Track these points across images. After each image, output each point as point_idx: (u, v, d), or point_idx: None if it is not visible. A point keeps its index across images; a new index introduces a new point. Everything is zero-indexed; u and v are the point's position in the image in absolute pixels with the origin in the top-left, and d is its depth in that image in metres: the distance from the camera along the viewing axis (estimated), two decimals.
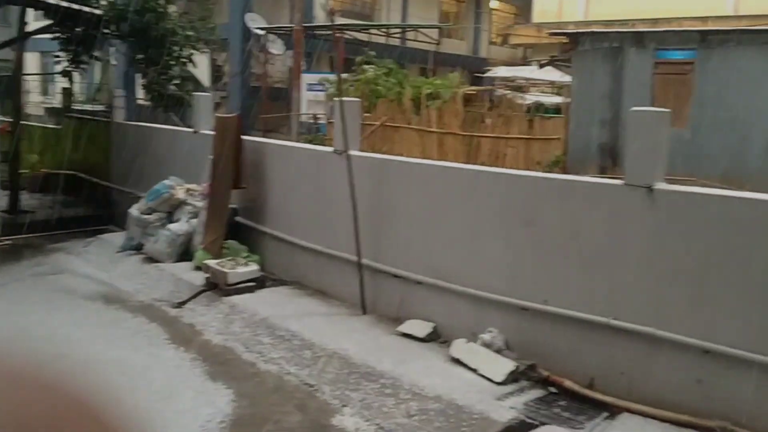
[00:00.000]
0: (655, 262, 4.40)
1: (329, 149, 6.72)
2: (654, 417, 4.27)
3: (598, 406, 4.50)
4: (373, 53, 15.39)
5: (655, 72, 13.47)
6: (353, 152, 6.27)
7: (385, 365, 5.03)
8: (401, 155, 10.78)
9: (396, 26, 23.36)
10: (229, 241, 7.53)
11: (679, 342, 4.28)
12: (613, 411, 4.42)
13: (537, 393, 4.71)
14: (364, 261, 6.17)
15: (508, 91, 17.73)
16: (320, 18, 19.65)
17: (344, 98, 6.74)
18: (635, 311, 4.48)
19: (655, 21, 16.11)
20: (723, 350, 4.11)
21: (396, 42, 23.64)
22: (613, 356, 4.60)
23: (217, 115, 8.56)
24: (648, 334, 4.40)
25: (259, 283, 6.88)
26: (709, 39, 12.79)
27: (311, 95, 17.16)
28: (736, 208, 4.14)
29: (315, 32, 18.38)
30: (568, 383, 4.70)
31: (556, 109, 15.92)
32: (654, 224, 4.40)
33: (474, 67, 24.65)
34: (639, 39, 13.53)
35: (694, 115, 13.24)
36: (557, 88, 18.03)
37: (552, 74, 17.45)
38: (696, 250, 4.23)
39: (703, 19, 16.04)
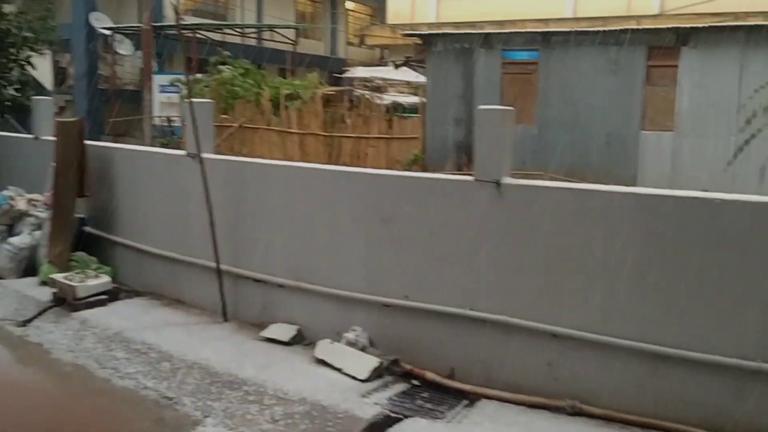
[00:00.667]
0: (505, 253, 4.60)
1: (182, 152, 6.49)
2: (510, 401, 4.47)
3: (459, 395, 4.64)
4: (228, 53, 15.07)
5: (503, 72, 14.12)
6: (207, 155, 6.09)
7: (248, 372, 4.93)
8: (262, 157, 10.62)
9: (249, 26, 23.02)
10: (78, 252, 7.09)
11: (530, 328, 4.50)
12: (473, 399, 4.58)
13: (400, 387, 4.79)
14: (224, 267, 6.01)
15: (367, 92, 17.95)
16: (171, 17, 18.98)
17: (196, 99, 6.52)
18: (490, 301, 4.66)
19: (501, 23, 16.88)
20: (569, 333, 4.36)
21: (252, 42, 23.28)
22: (471, 346, 4.77)
23: (57, 120, 8.02)
24: (502, 323, 4.59)
25: (111, 295, 6.52)
26: (550, 40, 13.57)
27: (164, 97, 16.55)
28: (576, 199, 4.41)
29: (166, 32, 17.74)
30: (429, 375, 4.81)
31: (414, 109, 16.31)
32: (503, 217, 4.60)
33: (333, 68, 24.77)
34: (487, 40, 14.12)
35: (541, 113, 14.01)
36: (414, 88, 18.49)
37: (408, 74, 17.87)
38: (542, 240, 4.46)
39: (545, 21, 16.98)
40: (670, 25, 12.92)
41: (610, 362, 4.28)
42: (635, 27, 12.90)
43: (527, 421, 4.24)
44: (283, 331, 5.59)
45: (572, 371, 4.40)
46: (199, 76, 14.49)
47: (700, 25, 12.70)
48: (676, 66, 12.70)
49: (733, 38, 12.25)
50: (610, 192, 4.30)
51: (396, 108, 16.28)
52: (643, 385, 4.21)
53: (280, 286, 5.74)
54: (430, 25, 18.03)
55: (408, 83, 18.67)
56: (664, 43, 12.72)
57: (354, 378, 4.84)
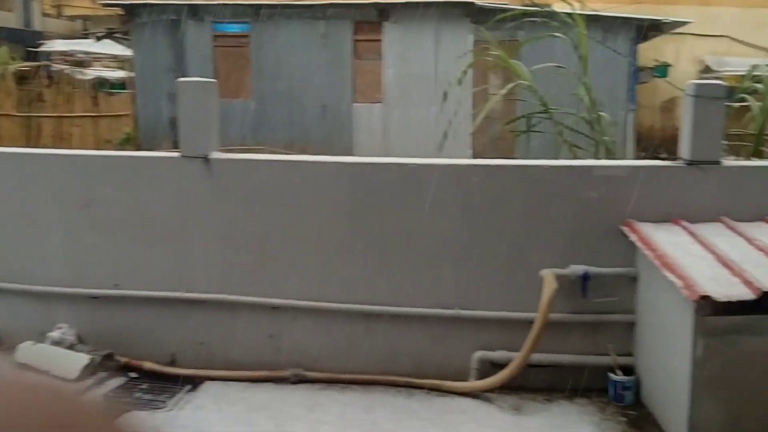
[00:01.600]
0: (219, 229, 4.49)
1: None
2: (235, 379, 4.41)
3: (182, 381, 4.46)
4: None
5: (215, 45, 13.78)
6: None
7: None
8: None
9: None
10: None
11: (250, 303, 4.46)
12: (197, 383, 4.44)
13: (117, 382, 4.47)
14: None
15: (68, 67, 16.40)
16: None
17: None
18: (207, 281, 4.53)
19: None
20: (288, 303, 4.42)
21: None
22: (191, 329, 4.61)
23: None
24: (221, 301, 4.50)
25: None
26: (260, 13, 13.50)
27: None
28: (285, 170, 4.44)
29: None
30: (148, 365, 4.56)
31: (122, 84, 15.27)
32: (214, 193, 4.47)
33: (27, 42, 22.18)
34: (196, 12, 13.64)
35: (257, 87, 13.96)
36: (121, 62, 17.29)
37: (114, 48, 16.62)
38: (255, 214, 4.43)
39: None
40: (372, 1, 13.60)
41: (329, 327, 4.43)
42: (340, 2, 13.36)
43: (250, 396, 4.22)
44: None
45: (293, 340, 4.47)
46: None
47: (399, 1, 13.54)
48: (380, 40, 13.44)
49: (428, 14, 13.27)
50: (316, 163, 4.40)
51: (102, 84, 15.10)
52: (359, 345, 4.42)
53: None
54: None
55: (115, 57, 17.39)
56: (368, 18, 13.38)
57: (64, 379, 4.41)
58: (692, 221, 4.05)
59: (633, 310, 4.19)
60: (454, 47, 13.06)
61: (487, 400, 4.17)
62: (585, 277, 4.13)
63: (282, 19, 13.53)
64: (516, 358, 4.05)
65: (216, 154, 4.48)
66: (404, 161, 4.27)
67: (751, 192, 4.13)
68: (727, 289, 3.18)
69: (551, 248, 4.21)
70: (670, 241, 3.78)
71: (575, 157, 6.52)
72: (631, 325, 4.22)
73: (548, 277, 4.06)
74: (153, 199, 4.60)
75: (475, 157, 13.32)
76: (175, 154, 4.61)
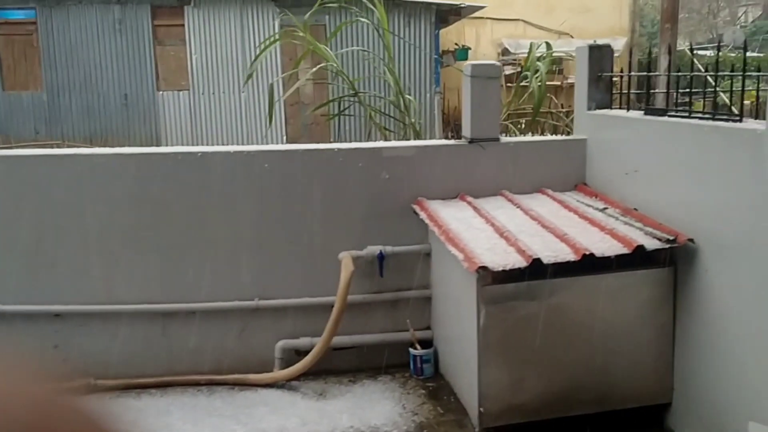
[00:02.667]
0: None
1: None
2: None
3: None
4: None
5: None
6: None
7: None
8: None
9: None
10: None
11: (27, 312, 4.07)
12: None
13: None
14: None
15: None
16: None
17: None
18: None
19: None
20: (74, 309, 4.08)
21: None
22: None
23: None
24: None
25: None
26: None
27: None
28: (60, 166, 4.08)
29: None
30: None
31: None
32: None
33: None
34: None
35: (48, 77, 12.90)
36: None
37: None
38: (27, 215, 4.03)
39: None
40: None
41: (120, 331, 4.15)
42: None
43: None
44: None
45: (81, 348, 4.14)
46: None
47: None
48: (182, 25, 12.90)
49: None
50: (94, 155, 4.10)
51: None
52: (156, 346, 4.19)
53: None
54: None
55: None
56: (167, 2, 12.77)
57: None
58: (476, 196, 4.24)
59: (429, 285, 4.33)
60: (260, 31, 12.84)
61: (292, 388, 4.12)
62: (381, 257, 4.19)
63: (72, 4, 12.56)
64: (317, 344, 4.03)
65: None
66: (191, 149, 4.08)
67: (528, 165, 4.39)
68: (503, 258, 3.35)
69: (350, 231, 4.23)
70: (455, 217, 3.93)
71: (385, 140, 6.64)
72: (427, 300, 4.36)
73: (345, 259, 4.07)
74: None
75: (289, 143, 13.23)
76: None
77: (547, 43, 7.72)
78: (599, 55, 4.35)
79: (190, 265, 4.14)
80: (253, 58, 10.36)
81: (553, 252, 3.38)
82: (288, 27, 10.16)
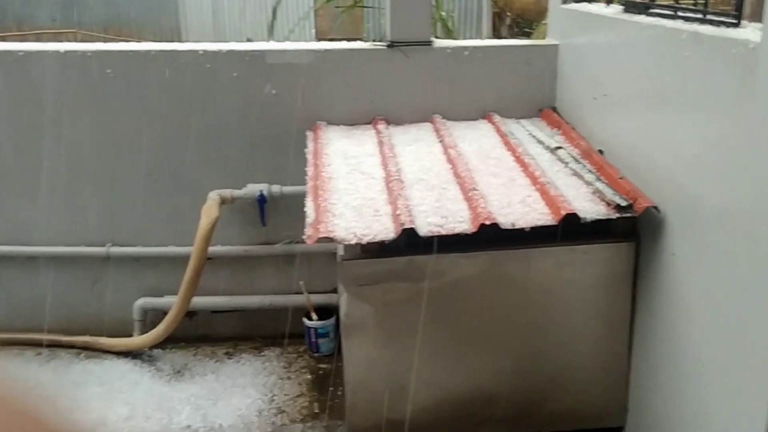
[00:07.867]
0: None
1: None
2: None
3: None
4: None
5: None
6: None
7: None
8: None
9: None
10: None
11: None
12: None
13: None
14: None
15: None
16: None
17: None
18: None
19: None
20: None
21: None
22: None
23: None
24: None
25: None
26: None
27: None
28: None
29: None
30: None
31: None
32: None
33: None
34: None
35: None
36: None
37: None
38: None
39: None
40: None
41: None
42: None
43: None
44: None
45: None
46: None
47: None
48: None
49: None
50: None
51: None
52: None
53: None
54: None
55: None
56: None
57: None
58: (400, 122, 3.14)
59: None
60: None
61: (149, 360, 3.26)
62: (261, 200, 3.18)
63: None
64: (171, 309, 3.13)
65: None
66: (9, 47, 3.08)
67: (475, 81, 3.20)
68: (367, 224, 2.29)
69: (227, 163, 3.22)
70: (346, 153, 2.84)
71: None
72: (333, 256, 3.34)
73: (209, 202, 3.08)
74: None
75: (319, 38, 12.03)
76: None
77: None
78: None
79: (25, 199, 3.25)
80: None
81: (442, 217, 2.28)
82: None
